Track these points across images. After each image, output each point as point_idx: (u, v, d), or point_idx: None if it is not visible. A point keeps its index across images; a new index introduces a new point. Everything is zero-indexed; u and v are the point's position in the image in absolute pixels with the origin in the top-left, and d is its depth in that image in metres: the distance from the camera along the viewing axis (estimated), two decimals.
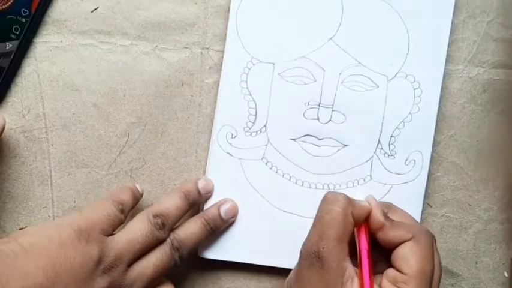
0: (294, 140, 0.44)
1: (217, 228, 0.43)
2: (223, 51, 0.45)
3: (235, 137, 0.44)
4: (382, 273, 0.37)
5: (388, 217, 0.39)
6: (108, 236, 0.38)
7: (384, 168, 0.45)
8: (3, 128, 0.41)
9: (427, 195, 0.45)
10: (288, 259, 0.43)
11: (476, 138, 0.46)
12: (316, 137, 0.44)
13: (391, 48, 0.44)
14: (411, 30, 0.45)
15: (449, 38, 0.46)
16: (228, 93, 0.44)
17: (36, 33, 0.44)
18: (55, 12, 0.44)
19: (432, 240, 0.38)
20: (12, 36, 0.43)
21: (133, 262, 0.39)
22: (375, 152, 0.45)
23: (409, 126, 0.45)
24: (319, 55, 0.44)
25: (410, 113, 0.45)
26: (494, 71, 0.47)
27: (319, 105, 0.44)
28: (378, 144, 0.45)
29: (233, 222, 0.44)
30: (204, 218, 0.42)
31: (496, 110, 0.47)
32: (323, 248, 0.35)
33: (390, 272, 0.36)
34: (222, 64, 0.44)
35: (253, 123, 0.44)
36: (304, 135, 0.44)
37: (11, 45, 0.43)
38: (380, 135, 0.45)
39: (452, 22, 0.46)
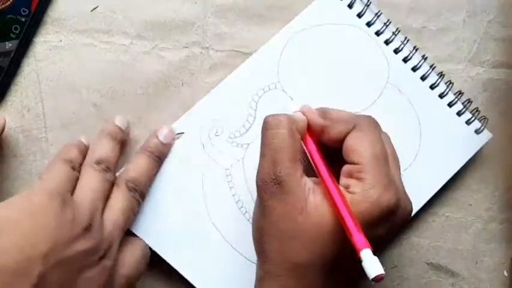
0: None
1: (163, 155, 0.43)
2: (223, 51, 0.45)
3: (218, 135, 0.44)
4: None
5: (327, 117, 0.38)
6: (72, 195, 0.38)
7: None
8: (4, 128, 0.41)
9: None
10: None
11: None
12: None
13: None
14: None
15: (450, 37, 0.46)
16: (236, 95, 0.44)
17: (35, 33, 0.44)
18: (55, 11, 0.44)
19: (374, 123, 0.37)
20: (12, 35, 0.43)
21: (103, 213, 0.38)
22: None
23: None
24: None
25: None
26: (495, 70, 0.47)
27: None
28: None
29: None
30: (147, 150, 0.42)
31: (496, 110, 0.47)
32: (280, 172, 0.35)
33: (345, 168, 0.36)
34: (224, 63, 0.44)
35: (241, 135, 0.44)
36: None
37: (10, 45, 0.43)
38: None
39: (452, 21, 0.46)
